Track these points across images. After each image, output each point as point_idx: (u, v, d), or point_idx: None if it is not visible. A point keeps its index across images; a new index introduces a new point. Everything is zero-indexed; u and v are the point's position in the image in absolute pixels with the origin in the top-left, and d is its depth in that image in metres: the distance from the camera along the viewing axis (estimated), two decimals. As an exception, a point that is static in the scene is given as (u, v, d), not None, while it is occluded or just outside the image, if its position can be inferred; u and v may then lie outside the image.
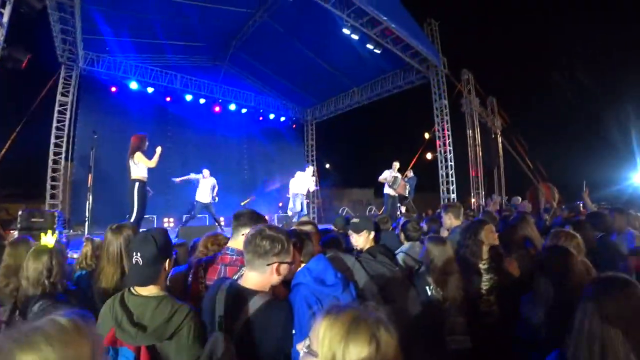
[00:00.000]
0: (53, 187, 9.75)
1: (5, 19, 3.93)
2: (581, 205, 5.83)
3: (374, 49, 9.96)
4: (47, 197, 9.60)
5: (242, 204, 9.43)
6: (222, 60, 13.23)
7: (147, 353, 1.30)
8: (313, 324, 0.90)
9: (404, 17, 9.88)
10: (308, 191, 8.90)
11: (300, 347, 0.95)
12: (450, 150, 11.25)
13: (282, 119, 15.06)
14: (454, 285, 2.35)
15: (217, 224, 8.01)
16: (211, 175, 8.11)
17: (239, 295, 1.41)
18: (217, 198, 8.23)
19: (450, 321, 2.28)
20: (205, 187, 8.01)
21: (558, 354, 1.20)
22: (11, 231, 5.92)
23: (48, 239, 2.61)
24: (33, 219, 5.08)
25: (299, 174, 8.83)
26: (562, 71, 14.82)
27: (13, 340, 0.72)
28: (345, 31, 9.31)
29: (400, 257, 2.92)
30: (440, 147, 11.34)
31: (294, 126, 15.75)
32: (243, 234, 2.01)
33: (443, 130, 11.31)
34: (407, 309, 2.10)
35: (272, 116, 14.66)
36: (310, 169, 9.01)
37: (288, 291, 1.60)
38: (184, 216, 8.16)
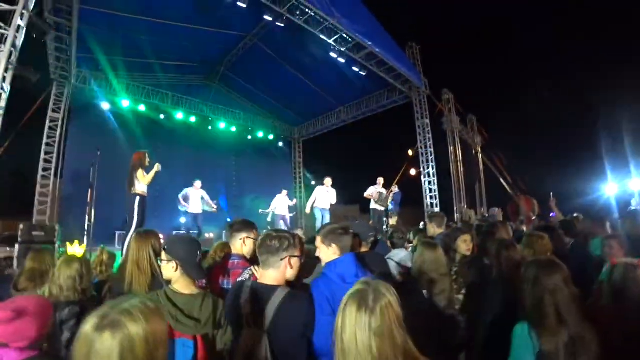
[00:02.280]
0: (41, 203, 9.69)
1: (18, 42, 4.19)
2: (551, 215, 6.30)
3: (359, 71, 10.52)
4: (35, 212, 9.52)
5: (260, 211, 9.76)
6: (213, 80, 13.61)
7: (202, 341, 1.52)
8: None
9: (387, 41, 10.53)
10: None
11: None
12: (433, 166, 11.79)
13: (271, 137, 15.43)
14: (448, 286, 2.59)
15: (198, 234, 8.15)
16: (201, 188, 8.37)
17: (261, 292, 1.60)
18: (214, 207, 8.52)
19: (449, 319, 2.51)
20: (196, 198, 8.23)
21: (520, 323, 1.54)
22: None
23: (75, 249, 2.84)
24: (34, 233, 5.19)
25: (319, 188, 8.85)
26: (536, 88, 15.85)
27: (119, 311, 0.84)
28: (333, 55, 9.85)
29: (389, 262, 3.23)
30: (423, 163, 11.87)
31: (281, 144, 16.13)
32: (240, 239, 2.30)
33: (426, 147, 11.88)
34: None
35: (260, 134, 15.02)
36: (329, 181, 8.76)
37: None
38: (190, 232, 8.32)
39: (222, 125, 13.77)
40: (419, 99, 12.00)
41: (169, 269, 1.65)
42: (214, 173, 13.13)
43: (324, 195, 8.39)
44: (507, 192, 12.52)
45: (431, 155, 11.82)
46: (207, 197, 8.47)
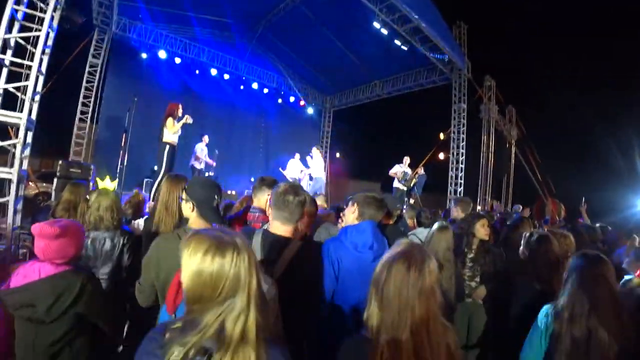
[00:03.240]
0: (77, 145, 10.16)
1: None
2: (580, 220, 6.05)
3: (401, 45, 10.07)
4: (71, 153, 10.00)
5: (280, 169, 9.76)
6: (249, 39, 13.41)
7: None
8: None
9: (434, 17, 9.95)
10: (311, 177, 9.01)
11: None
12: (462, 154, 11.41)
13: (302, 103, 15.22)
14: (452, 273, 2.60)
15: None
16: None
17: (275, 242, 1.66)
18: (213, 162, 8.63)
19: None
20: (203, 154, 8.39)
21: (551, 306, 1.53)
22: (30, 183, 6.42)
23: (107, 183, 2.98)
24: (71, 169, 5.48)
25: (291, 161, 9.14)
26: (585, 90, 14.71)
27: (226, 238, 0.90)
28: (376, 25, 9.43)
29: (411, 238, 3.21)
30: (453, 149, 11.50)
31: (311, 111, 15.99)
32: (268, 194, 2.33)
33: (458, 133, 11.46)
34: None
35: (292, 99, 14.87)
36: (315, 151, 8.80)
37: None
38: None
39: (254, 85, 13.71)
40: (459, 82, 11.45)
41: (187, 209, 1.73)
42: (241, 132, 13.26)
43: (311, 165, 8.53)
44: (535, 192, 12.05)
45: (463, 142, 11.41)
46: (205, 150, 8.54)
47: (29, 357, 1.56)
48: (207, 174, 8.60)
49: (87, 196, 2.55)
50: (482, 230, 2.96)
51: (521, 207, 8.55)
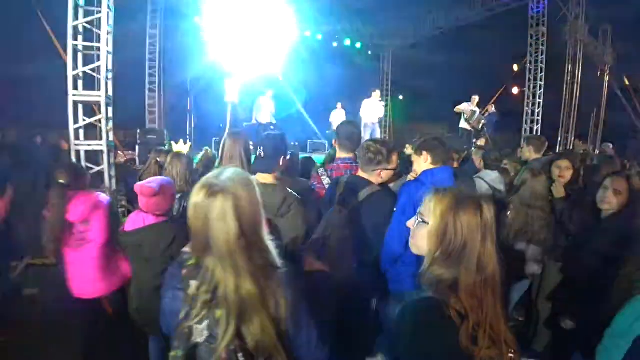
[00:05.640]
0: (150, 113, 11.01)
1: None
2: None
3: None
4: (147, 121, 10.92)
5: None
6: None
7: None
8: (424, 201, 1.09)
9: None
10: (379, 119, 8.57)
11: (411, 223, 1.12)
12: (541, 86, 10.06)
13: (358, 45, 14.44)
14: (536, 218, 2.39)
15: None
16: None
17: (356, 183, 1.97)
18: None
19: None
20: (267, 108, 8.33)
21: None
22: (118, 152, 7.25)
23: (180, 146, 3.23)
24: (148, 136, 6.07)
25: (365, 101, 8.51)
26: None
27: (223, 180, 0.94)
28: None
29: (476, 182, 3.04)
30: (530, 81, 10.17)
31: (369, 53, 15.08)
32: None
33: (536, 62, 10.02)
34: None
35: (347, 42, 14.15)
36: (377, 94, 8.47)
37: None
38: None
39: (307, 33, 13.17)
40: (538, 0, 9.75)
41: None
42: (298, 81, 13.11)
43: (372, 109, 8.04)
44: (634, 128, 10.36)
45: (541, 72, 10.01)
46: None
47: (139, 286, 1.97)
48: (271, 127, 8.72)
49: (158, 159, 2.79)
50: (556, 172, 2.65)
51: (611, 146, 7.42)
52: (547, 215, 2.41)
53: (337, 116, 10.00)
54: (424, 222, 1.06)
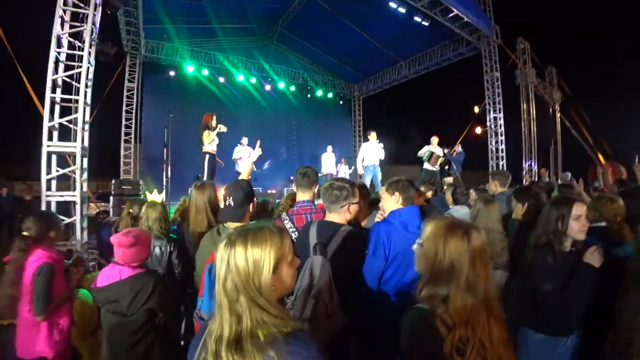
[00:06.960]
0: (125, 164, 10.95)
1: (97, 19, 4.61)
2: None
3: (421, 21, 9.76)
4: (121, 172, 10.82)
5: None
6: (270, 40, 13.62)
7: None
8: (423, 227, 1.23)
9: (453, -15, 9.50)
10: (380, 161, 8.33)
11: (415, 247, 1.26)
12: (501, 125, 10.85)
13: (330, 95, 15.29)
14: (498, 240, 2.54)
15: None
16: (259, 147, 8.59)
17: (328, 228, 1.91)
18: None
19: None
20: (245, 156, 8.58)
21: None
22: (90, 203, 7.08)
23: (155, 196, 3.24)
24: (123, 187, 6.01)
25: (364, 145, 8.45)
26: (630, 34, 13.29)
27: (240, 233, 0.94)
28: (392, 5, 9.21)
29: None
30: (490, 121, 10.97)
31: (341, 102, 15.94)
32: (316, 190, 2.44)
33: (494, 104, 10.90)
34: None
35: (319, 92, 14.94)
36: (373, 136, 8.34)
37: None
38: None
39: (281, 85, 13.92)
40: (489, 49, 10.87)
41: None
42: (274, 132, 13.52)
43: (371, 151, 8.10)
44: (588, 157, 11.20)
45: (500, 113, 10.84)
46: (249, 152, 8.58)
47: (114, 346, 1.85)
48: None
49: (130, 210, 2.81)
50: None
51: (569, 175, 7.92)
52: (504, 237, 2.58)
53: (327, 160, 10.38)
54: (421, 245, 1.22)
